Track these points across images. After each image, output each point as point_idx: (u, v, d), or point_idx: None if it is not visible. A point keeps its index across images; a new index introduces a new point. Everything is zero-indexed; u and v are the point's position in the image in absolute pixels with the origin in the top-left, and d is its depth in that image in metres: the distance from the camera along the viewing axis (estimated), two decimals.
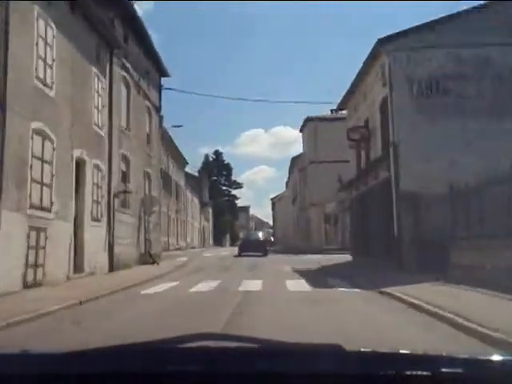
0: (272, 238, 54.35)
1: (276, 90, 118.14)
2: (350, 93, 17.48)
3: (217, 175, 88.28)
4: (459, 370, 1.01)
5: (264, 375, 1.00)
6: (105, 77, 13.82)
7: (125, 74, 15.91)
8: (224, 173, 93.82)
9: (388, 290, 8.23)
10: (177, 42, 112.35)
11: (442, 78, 11.50)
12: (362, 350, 1.12)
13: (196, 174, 64.97)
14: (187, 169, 52.23)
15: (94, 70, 12.87)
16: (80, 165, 11.80)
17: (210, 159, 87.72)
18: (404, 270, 11.28)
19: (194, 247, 49.34)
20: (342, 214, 30.94)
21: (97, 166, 12.95)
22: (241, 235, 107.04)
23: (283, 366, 1.02)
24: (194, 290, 9.37)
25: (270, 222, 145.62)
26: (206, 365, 1.02)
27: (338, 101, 20.02)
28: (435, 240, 10.44)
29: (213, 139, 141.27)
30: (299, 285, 10.14)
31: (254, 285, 9.97)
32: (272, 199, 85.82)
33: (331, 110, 35.91)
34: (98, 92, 13.15)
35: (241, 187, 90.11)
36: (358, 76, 14.99)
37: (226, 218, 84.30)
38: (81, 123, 11.66)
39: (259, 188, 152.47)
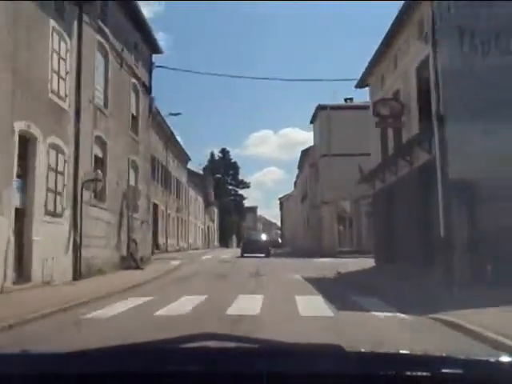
0: (280, 240, 50.75)
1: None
2: (375, 63, 15.97)
3: (223, 174, 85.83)
4: (459, 371, 1.02)
5: (264, 375, 1.01)
6: (70, 37, 12.04)
7: (101, 39, 14.45)
8: (231, 172, 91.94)
9: (449, 316, 6.02)
10: (189, 37, 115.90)
11: (503, 31, 10.05)
12: (362, 350, 1.13)
13: (200, 172, 60.87)
14: (191, 166, 51.17)
15: (54, 24, 11.08)
16: (28, 142, 10.12)
17: (216, 157, 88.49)
18: (453, 283, 9.18)
19: (196, 248, 48.28)
20: (357, 213, 29.52)
21: (56, 147, 11.18)
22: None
23: (283, 366, 1.03)
24: (163, 312, 7.38)
25: (279, 223, 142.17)
26: (206, 365, 1.04)
27: (356, 80, 19.01)
28: (502, 244, 8.66)
29: (221, 140, 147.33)
30: (315, 305, 8.10)
31: (252, 303, 8.08)
32: (280, 199, 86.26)
33: (345, 100, 32.12)
34: (58, 54, 11.36)
35: (248, 187, 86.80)
36: (386, 40, 13.95)
37: (232, 219, 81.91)
38: (29, 90, 9.95)
39: (268, 189, 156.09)
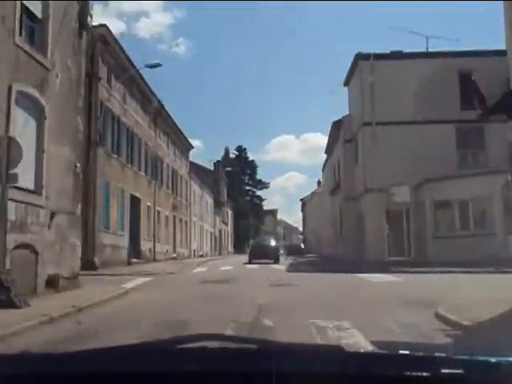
0: (302, 245, 41.57)
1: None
2: None
3: (239, 173, 77.67)
4: (459, 371, 1.06)
5: (264, 375, 1.06)
6: None
7: None
8: (248, 171, 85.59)
9: None
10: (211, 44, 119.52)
11: None
12: (362, 350, 1.18)
13: (210, 168, 50.87)
14: (200, 161, 49.39)
15: None
16: None
17: (232, 155, 69.49)
18: None
19: (202, 255, 42.08)
20: (419, 204, 20.99)
21: None
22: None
23: (283, 366, 1.08)
24: None
25: (301, 228, 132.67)
26: (206, 365, 1.09)
27: None
28: None
29: (240, 143, 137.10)
30: None
31: None
32: (302, 199, 78.86)
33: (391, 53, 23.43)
34: None
35: (266, 187, 79.16)
36: None
37: (249, 222, 74.43)
38: None
39: (289, 195, 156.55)
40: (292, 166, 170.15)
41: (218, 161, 58.06)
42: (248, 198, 77.69)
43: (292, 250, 48.51)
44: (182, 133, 35.31)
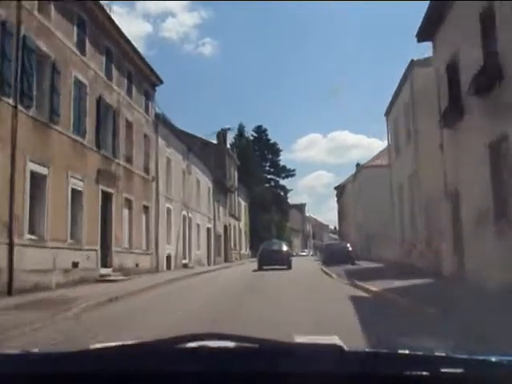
0: (349, 247, 22.32)
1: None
2: None
3: (259, 159, 63.18)
4: (459, 370, 1.04)
5: (264, 375, 1.04)
6: None
7: None
8: (269, 156, 68.31)
9: None
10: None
11: None
12: (362, 350, 1.18)
13: (213, 141, 43.67)
14: (201, 134, 37.82)
15: None
16: None
17: (249, 136, 65.00)
18: None
19: (187, 265, 27.43)
20: None
21: None
22: (295, 241, 74.76)
23: (283, 366, 1.05)
24: None
25: (331, 226, 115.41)
26: (206, 365, 1.07)
27: None
28: None
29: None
30: None
31: None
32: (336, 188, 63.77)
33: None
34: None
35: (292, 175, 62.94)
36: None
37: (271, 217, 58.49)
38: None
39: (317, 194, 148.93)
40: (319, 164, 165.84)
41: (224, 130, 42.35)
42: (268, 185, 61.94)
43: (332, 255, 28.30)
44: (142, 58, 21.21)
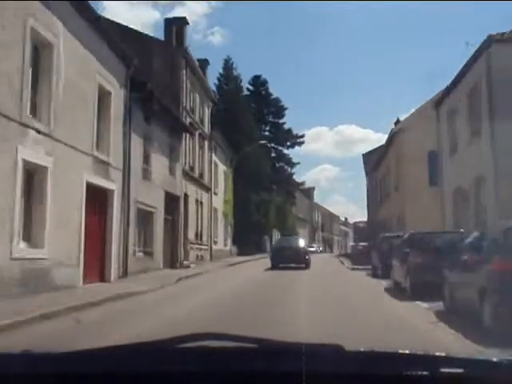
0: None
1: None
2: None
3: (255, 116, 43.10)
4: (459, 370, 1.05)
5: (264, 375, 1.05)
6: None
7: None
8: (269, 118, 49.60)
9: None
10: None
11: None
12: (362, 349, 1.17)
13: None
14: None
15: None
16: None
17: (245, 90, 46.39)
18: None
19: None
20: None
21: None
22: (302, 233, 58.05)
23: (283, 366, 1.06)
24: None
25: (342, 218, 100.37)
26: (206, 365, 1.08)
27: None
28: None
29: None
30: None
31: None
32: (365, 154, 45.27)
33: None
34: None
35: (301, 143, 38.20)
36: None
37: (270, 197, 39.91)
38: None
39: (322, 188, 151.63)
40: (325, 158, 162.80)
41: (177, 20, 23.26)
42: (266, 147, 43.17)
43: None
44: None
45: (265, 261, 23.78)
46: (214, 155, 29.85)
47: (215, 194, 30.58)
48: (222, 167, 32.62)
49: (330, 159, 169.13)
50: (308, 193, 76.18)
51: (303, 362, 0.99)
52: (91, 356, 1.09)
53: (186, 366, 1.02)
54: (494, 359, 1.04)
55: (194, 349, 1.08)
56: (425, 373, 0.98)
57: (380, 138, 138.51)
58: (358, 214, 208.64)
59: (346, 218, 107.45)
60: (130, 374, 1.02)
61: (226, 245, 33.14)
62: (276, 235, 48.47)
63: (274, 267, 19.93)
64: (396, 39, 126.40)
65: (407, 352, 1.10)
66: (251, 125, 36.82)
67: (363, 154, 45.20)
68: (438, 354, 1.09)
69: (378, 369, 1.00)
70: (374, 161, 38.46)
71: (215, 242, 29.69)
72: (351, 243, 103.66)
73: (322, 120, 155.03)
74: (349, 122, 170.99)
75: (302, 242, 22.83)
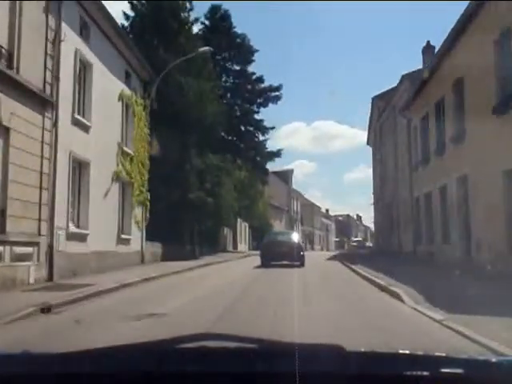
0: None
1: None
2: None
3: (213, 59, 30.31)
4: (459, 371, 1.06)
5: (264, 375, 1.06)
6: None
7: None
8: (233, 64, 37.73)
9: None
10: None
11: None
12: (362, 350, 1.18)
13: None
14: None
15: None
16: None
17: (203, 20, 34.69)
18: None
19: None
20: None
21: None
22: (276, 225, 49.48)
23: (283, 366, 1.07)
24: None
25: (324, 209, 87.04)
26: (206, 365, 1.08)
27: None
28: None
29: None
30: None
31: None
32: (374, 97, 33.60)
33: None
34: None
35: (275, 98, 37.30)
36: None
37: (229, 169, 27.19)
38: None
39: (298, 183, 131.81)
40: (300, 153, 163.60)
41: None
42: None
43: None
44: None
45: (236, 269, 17.72)
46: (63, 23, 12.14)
47: (80, 125, 12.60)
48: (117, 84, 15.82)
49: (307, 155, 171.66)
50: (285, 176, 61.35)
51: (303, 363, 0.98)
52: (91, 356, 1.09)
53: (185, 367, 1.03)
54: (494, 359, 1.06)
55: (194, 349, 1.09)
56: (425, 373, 0.98)
57: (356, 134, 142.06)
58: (335, 208, 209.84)
59: (327, 210, 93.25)
60: (129, 375, 1.02)
61: (123, 242, 15.98)
62: (242, 227, 34.27)
63: (263, 265, 17.88)
64: (373, 38, 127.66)
65: (407, 352, 1.10)
66: (188, 36, 21.92)
67: (373, 98, 30.74)
68: (438, 354, 1.09)
69: (377, 369, 1.01)
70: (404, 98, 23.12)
71: (82, 237, 12.76)
72: (334, 239, 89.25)
73: (298, 115, 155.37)
74: (326, 118, 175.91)
75: (295, 237, 20.57)
